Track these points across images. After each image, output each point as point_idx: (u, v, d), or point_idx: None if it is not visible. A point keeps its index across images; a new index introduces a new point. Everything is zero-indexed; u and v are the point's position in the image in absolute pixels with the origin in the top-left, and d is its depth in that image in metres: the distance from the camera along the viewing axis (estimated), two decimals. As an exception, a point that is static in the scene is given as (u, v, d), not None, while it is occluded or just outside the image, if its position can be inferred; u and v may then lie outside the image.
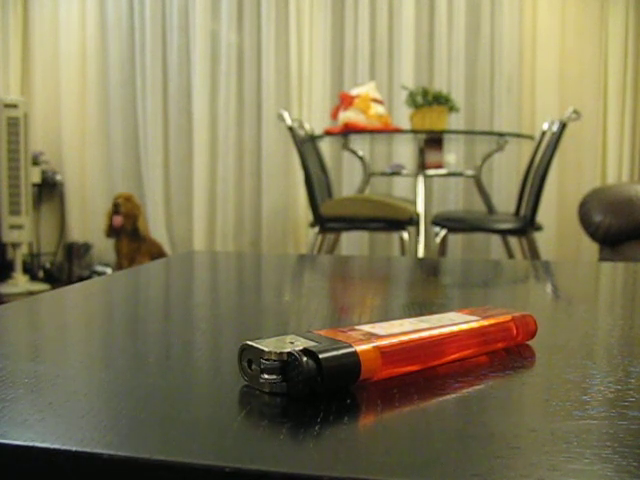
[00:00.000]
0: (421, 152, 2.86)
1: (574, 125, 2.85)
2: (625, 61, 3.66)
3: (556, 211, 3.67)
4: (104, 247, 3.91)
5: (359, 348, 0.29)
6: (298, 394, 0.28)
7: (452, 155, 3.15)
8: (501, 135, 2.87)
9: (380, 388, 0.30)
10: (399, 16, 3.69)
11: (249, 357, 0.30)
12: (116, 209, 3.43)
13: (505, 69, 3.63)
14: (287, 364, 0.28)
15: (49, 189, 4.05)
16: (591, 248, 3.29)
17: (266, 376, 0.29)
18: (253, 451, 0.23)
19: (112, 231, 3.49)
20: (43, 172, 3.91)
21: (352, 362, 0.29)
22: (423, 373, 0.33)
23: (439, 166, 2.90)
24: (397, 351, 0.32)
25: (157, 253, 3.53)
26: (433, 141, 2.86)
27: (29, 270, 3.85)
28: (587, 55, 3.68)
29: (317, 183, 2.73)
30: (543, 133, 2.80)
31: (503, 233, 2.87)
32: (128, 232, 3.47)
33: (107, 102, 3.98)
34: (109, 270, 3.86)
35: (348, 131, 2.79)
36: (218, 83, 3.84)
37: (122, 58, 3.94)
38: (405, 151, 3.63)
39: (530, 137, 3.03)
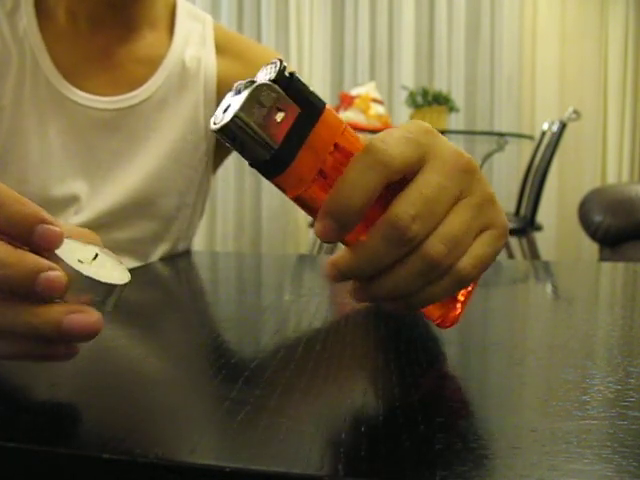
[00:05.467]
0: (421, 152, 2.85)
1: (574, 125, 2.84)
2: (625, 61, 3.66)
3: (556, 211, 3.66)
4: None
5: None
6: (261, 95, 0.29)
7: (452, 155, 3.14)
8: (501, 135, 2.87)
9: (380, 393, 0.30)
10: (399, 16, 3.68)
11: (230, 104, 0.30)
12: None
13: (505, 69, 3.63)
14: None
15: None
16: (591, 248, 3.29)
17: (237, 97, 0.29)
18: (253, 451, 0.23)
19: None
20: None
21: (320, 102, 0.30)
22: (423, 374, 0.32)
23: (439, 166, 2.89)
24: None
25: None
26: (433, 141, 2.86)
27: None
28: (587, 55, 3.67)
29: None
30: (543, 133, 2.80)
31: (503, 233, 2.86)
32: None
33: (107, 102, 3.97)
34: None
35: (348, 131, 2.79)
36: (218, 83, 3.84)
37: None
38: (405, 151, 3.61)
39: (530, 137, 3.02)
